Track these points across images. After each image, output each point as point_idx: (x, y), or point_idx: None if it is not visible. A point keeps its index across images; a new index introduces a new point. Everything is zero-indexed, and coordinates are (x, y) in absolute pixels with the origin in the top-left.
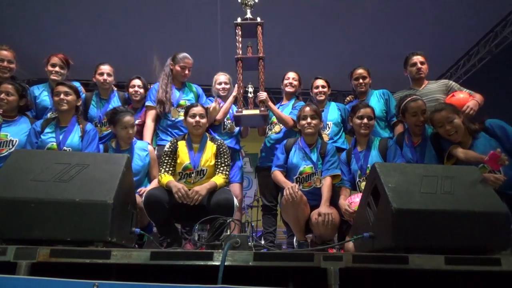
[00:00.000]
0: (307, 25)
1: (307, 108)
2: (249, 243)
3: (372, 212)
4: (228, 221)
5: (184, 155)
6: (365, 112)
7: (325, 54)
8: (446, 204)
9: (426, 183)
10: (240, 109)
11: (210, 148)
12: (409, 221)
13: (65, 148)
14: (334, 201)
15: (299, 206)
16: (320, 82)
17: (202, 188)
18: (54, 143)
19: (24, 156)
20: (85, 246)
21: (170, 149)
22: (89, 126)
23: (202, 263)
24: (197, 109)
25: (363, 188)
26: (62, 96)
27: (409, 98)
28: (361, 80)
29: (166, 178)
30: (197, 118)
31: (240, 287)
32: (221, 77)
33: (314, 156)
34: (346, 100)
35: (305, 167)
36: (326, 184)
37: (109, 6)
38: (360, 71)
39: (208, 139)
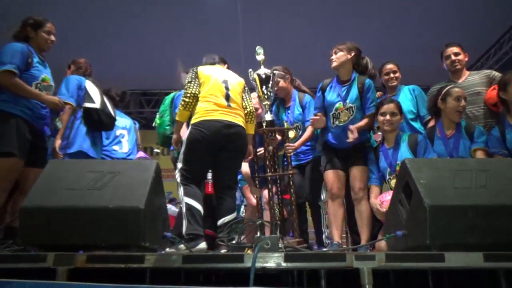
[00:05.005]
0: (329, 18)
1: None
2: (280, 244)
3: (404, 209)
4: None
5: None
6: (388, 108)
7: None
8: (481, 198)
9: (459, 177)
10: None
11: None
12: (443, 217)
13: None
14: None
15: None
16: None
17: None
18: (47, 75)
19: (58, 166)
20: (119, 251)
21: None
22: None
23: (233, 265)
24: None
25: (393, 185)
26: None
27: (452, 85)
28: (391, 75)
29: None
30: None
31: None
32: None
33: (344, 92)
34: None
35: (340, 103)
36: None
37: (136, 18)
38: (390, 66)
39: None
